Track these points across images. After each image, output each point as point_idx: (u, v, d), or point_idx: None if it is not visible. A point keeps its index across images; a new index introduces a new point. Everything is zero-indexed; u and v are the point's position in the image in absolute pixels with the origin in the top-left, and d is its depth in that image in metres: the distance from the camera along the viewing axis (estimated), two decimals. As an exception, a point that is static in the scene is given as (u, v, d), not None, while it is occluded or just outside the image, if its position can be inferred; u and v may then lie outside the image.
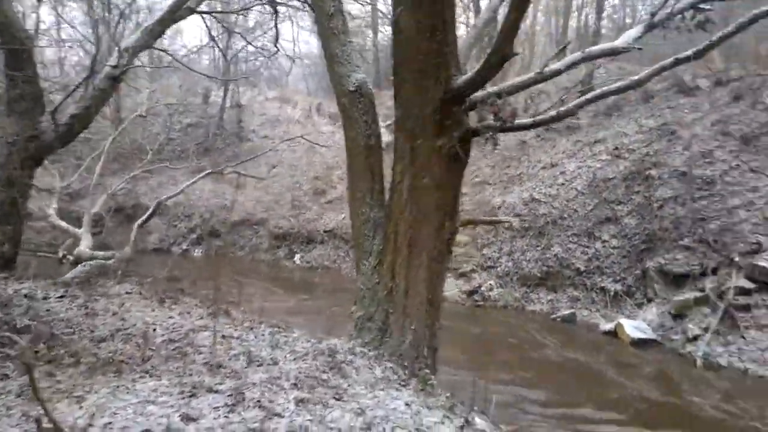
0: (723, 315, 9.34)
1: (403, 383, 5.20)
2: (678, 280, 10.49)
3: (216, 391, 4.28)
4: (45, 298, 6.59)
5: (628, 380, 8.50)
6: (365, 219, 6.24)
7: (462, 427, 4.23)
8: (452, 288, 12.95)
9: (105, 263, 12.35)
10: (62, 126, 8.79)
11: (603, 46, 6.23)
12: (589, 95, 5.59)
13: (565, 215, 12.80)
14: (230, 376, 4.69)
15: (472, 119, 5.79)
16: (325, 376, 4.89)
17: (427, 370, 5.65)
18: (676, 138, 12.72)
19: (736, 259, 9.87)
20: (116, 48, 9.31)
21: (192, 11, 10.48)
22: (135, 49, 9.49)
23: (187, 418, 3.84)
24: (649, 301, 10.77)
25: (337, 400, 4.38)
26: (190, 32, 42.27)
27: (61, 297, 6.72)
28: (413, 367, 5.64)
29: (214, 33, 17.14)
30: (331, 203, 19.26)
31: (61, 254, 13.07)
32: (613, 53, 5.98)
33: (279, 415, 3.96)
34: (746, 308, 9.32)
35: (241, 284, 9.07)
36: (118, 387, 4.35)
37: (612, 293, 11.24)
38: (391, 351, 5.82)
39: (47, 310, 6.13)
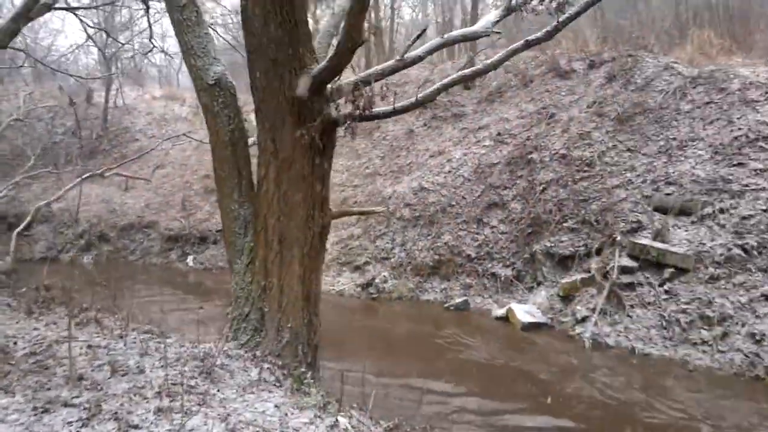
0: (608, 294, 9.66)
1: (278, 384, 5.17)
2: (565, 262, 10.88)
3: (72, 405, 4.10)
4: None
5: (519, 366, 8.67)
6: (235, 216, 6.19)
7: (332, 427, 4.22)
8: (347, 281, 13.02)
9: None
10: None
11: (462, 30, 6.42)
12: (445, 80, 5.72)
13: (454, 203, 13.07)
14: (90, 388, 4.51)
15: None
16: (193, 382, 4.77)
17: (303, 369, 5.64)
18: (554, 121, 13.27)
19: (618, 238, 10.30)
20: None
21: (49, 8, 9.96)
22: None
23: (34, 438, 3.67)
24: (539, 284, 11.07)
25: (201, 406, 4.28)
26: (74, 31, 40.30)
27: None
28: (291, 367, 5.62)
29: (91, 31, 16.48)
30: (222, 203, 18.92)
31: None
32: (472, 38, 6.16)
33: (136, 427, 3.85)
34: (630, 287, 9.68)
35: (115, 291, 8.66)
36: (-36, 407, 4.09)
37: (502, 278, 11.49)
38: (268, 351, 5.77)
39: None
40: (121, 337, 6.02)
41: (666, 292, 9.36)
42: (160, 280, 15.78)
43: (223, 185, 6.20)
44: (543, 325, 10.08)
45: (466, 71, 5.84)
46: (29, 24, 9.63)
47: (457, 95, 17.34)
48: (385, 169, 16.12)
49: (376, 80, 5.80)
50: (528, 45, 5.55)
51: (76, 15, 12.29)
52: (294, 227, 5.76)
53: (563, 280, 10.54)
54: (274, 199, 5.74)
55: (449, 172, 13.90)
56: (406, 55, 5.73)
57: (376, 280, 12.56)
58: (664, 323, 8.96)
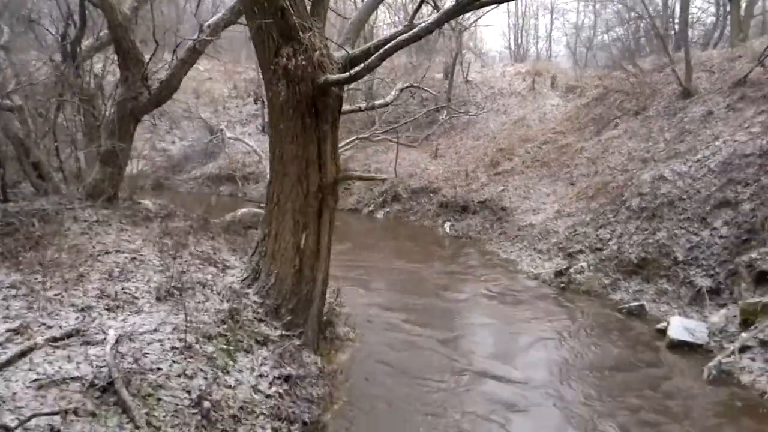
0: (785, 325, 8.20)
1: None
2: (764, 280, 9.26)
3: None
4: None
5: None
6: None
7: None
8: (551, 266, 12.91)
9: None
10: (153, 91, 10.97)
11: None
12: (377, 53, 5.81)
13: (685, 196, 11.75)
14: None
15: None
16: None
17: (284, 311, 6.58)
18: None
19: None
20: (199, 24, 11.15)
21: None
22: (217, 26, 11.23)
23: None
24: (735, 302, 9.60)
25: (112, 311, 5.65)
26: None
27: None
28: (270, 307, 6.60)
29: None
30: (499, 174, 19.72)
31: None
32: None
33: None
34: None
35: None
36: None
37: (698, 289, 10.20)
38: (256, 290, 6.80)
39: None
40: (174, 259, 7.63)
41: None
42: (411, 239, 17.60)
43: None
44: (697, 347, 9.01)
45: (404, 35, 5.82)
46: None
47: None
48: (662, 154, 14.93)
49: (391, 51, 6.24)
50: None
51: None
52: (288, 183, 6.66)
53: (748, 301, 9.01)
54: (276, 156, 6.69)
55: (698, 160, 12.43)
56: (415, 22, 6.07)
57: (571, 270, 12.15)
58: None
